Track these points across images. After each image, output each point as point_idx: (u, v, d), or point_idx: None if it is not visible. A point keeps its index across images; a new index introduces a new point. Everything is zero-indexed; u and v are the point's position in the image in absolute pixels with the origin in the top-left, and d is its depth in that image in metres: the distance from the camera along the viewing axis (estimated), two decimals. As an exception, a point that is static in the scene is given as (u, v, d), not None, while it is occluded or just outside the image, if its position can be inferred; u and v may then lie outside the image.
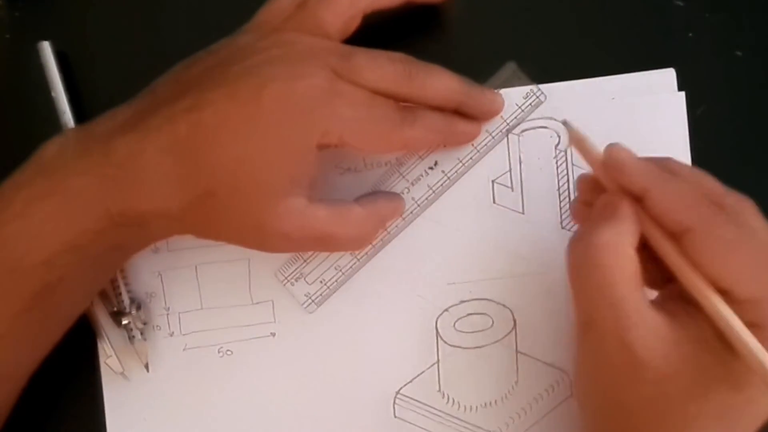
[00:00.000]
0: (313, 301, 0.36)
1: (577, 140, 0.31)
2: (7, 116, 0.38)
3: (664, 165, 0.29)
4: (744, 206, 0.28)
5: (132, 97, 0.32)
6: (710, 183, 0.29)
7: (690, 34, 0.36)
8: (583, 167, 0.35)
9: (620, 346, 0.27)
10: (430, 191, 0.36)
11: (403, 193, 0.36)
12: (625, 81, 0.36)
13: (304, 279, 0.36)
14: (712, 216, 0.27)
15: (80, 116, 0.36)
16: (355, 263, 0.36)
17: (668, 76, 0.36)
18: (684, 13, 0.36)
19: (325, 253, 0.36)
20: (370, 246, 0.36)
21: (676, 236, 0.28)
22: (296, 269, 0.36)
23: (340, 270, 0.36)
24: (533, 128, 0.36)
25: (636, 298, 0.27)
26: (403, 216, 0.36)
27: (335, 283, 0.36)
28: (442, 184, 0.36)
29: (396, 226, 0.36)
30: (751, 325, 0.26)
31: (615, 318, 0.27)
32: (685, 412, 0.27)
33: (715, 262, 0.27)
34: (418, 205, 0.36)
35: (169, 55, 0.33)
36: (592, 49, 0.36)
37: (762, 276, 0.27)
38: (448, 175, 0.36)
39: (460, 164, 0.36)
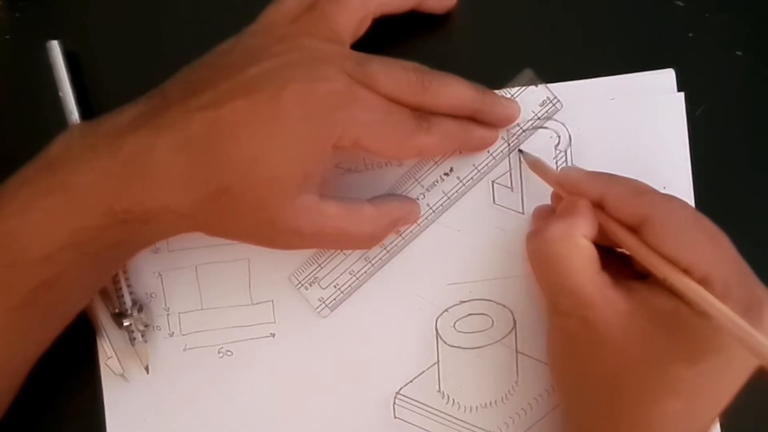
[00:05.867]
0: (326, 305, 0.36)
1: (533, 163, 0.35)
2: (6, 117, 0.38)
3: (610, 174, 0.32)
4: (676, 197, 0.31)
5: (133, 96, 0.32)
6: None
7: (690, 34, 0.36)
8: (583, 167, 0.36)
9: (582, 324, 0.30)
10: (445, 197, 0.36)
11: (418, 199, 0.36)
12: (625, 81, 0.36)
13: (318, 283, 0.36)
14: (665, 202, 0.30)
15: (83, 117, 0.36)
16: (369, 268, 0.36)
17: (668, 76, 0.36)
18: (684, 13, 0.36)
19: (340, 258, 0.36)
20: (384, 251, 0.36)
21: (636, 230, 0.30)
22: (310, 273, 0.36)
23: (354, 275, 0.36)
24: (533, 128, 0.36)
25: (594, 281, 0.30)
26: (418, 222, 0.36)
27: (349, 287, 0.36)
28: (457, 191, 0.36)
29: (410, 232, 0.36)
30: None
31: (575, 301, 0.30)
32: (642, 383, 0.29)
33: (674, 245, 0.29)
34: (433, 211, 0.36)
35: (171, 55, 0.33)
36: (592, 49, 0.36)
37: (710, 254, 0.29)
38: (463, 181, 0.36)
39: (476, 171, 0.36)
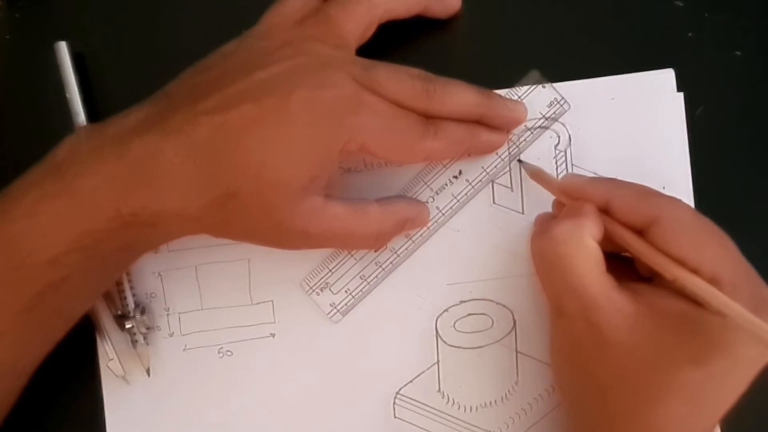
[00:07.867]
0: (338, 310, 0.36)
1: (534, 173, 0.35)
2: (6, 118, 0.38)
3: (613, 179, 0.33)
4: (679, 199, 0.31)
5: (133, 96, 0.32)
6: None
7: (690, 34, 0.36)
8: (583, 167, 0.36)
9: (587, 326, 0.30)
10: (455, 200, 0.36)
11: (427, 203, 0.36)
12: (624, 81, 0.36)
13: (329, 289, 0.36)
14: (671, 204, 0.30)
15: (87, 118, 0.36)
16: (380, 273, 0.36)
17: (667, 76, 0.36)
18: (684, 13, 0.36)
19: (350, 263, 0.36)
20: (395, 255, 0.36)
21: (642, 232, 0.30)
22: (321, 279, 0.36)
23: (365, 279, 0.36)
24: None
25: (600, 282, 0.30)
26: (428, 225, 0.36)
27: (360, 292, 0.36)
28: (466, 193, 0.36)
29: (421, 235, 0.36)
30: None
31: (580, 302, 0.30)
32: (649, 386, 0.29)
33: (682, 246, 0.29)
34: (443, 214, 0.36)
35: (171, 55, 0.33)
36: (592, 49, 0.36)
37: (718, 255, 0.29)
38: (473, 183, 0.36)
39: (484, 173, 0.36)
